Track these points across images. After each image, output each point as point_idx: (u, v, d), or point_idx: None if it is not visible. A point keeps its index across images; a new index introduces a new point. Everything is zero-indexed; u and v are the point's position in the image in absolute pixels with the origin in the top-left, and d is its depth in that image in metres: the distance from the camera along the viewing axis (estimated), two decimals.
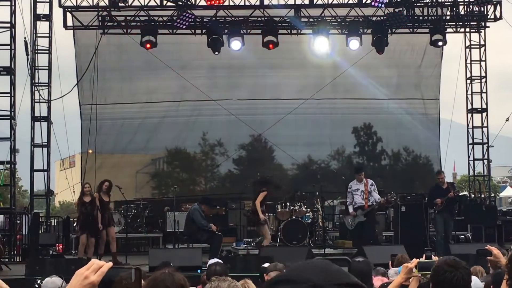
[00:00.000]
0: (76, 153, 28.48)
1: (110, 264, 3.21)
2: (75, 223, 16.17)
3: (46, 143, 21.54)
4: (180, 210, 19.84)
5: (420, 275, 6.07)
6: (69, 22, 22.24)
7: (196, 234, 16.29)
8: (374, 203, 17.11)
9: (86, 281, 3.17)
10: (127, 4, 21.11)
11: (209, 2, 19.64)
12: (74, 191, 21.34)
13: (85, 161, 23.21)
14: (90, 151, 23.44)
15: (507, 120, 22.54)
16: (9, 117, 18.45)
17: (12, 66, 18.63)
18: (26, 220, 19.26)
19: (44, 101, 21.65)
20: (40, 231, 19.85)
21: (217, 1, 19.47)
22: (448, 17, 23.05)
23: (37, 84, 21.47)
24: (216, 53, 21.65)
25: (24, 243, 18.80)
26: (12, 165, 19.14)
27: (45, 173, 21.54)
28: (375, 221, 18.08)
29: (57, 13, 22.00)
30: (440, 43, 22.25)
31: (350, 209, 17.27)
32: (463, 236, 19.92)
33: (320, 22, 22.21)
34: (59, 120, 21.98)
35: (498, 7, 22.78)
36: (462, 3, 23.04)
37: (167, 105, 24.52)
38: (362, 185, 17.16)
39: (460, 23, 23.59)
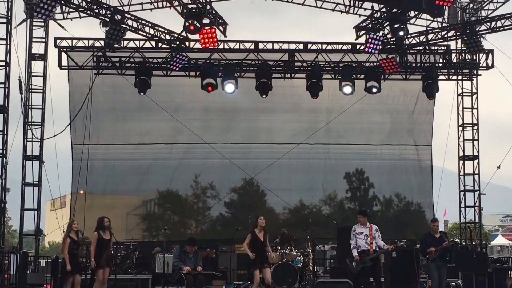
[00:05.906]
0: (67, 193, 28.36)
1: None
2: (63, 263, 15.85)
3: (37, 182, 21.43)
4: (170, 251, 19.65)
5: None
6: (64, 62, 22.37)
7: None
8: (378, 249, 16.90)
9: None
10: (122, 46, 21.23)
11: (204, 45, 19.76)
12: (64, 231, 21.18)
13: (75, 200, 23.04)
14: (81, 192, 23.27)
15: (499, 167, 22.56)
16: (0, 155, 18.39)
17: (6, 105, 18.61)
18: (14, 259, 19.06)
19: (37, 140, 21.62)
20: (28, 271, 19.65)
21: (212, 44, 19.58)
22: (440, 65, 23.24)
23: (30, 123, 21.45)
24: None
25: (12, 283, 18.58)
26: (2, 204, 19.02)
27: (36, 212, 21.41)
28: (381, 268, 17.81)
29: (52, 53, 22.17)
30: (432, 90, 22.38)
31: (354, 253, 16.97)
32: (453, 283, 19.75)
33: (314, 67, 22.35)
34: (51, 159, 21.89)
35: (490, 55, 23.02)
36: (455, 51, 23.28)
37: (160, 147, 24.46)
38: (366, 229, 16.91)
39: (453, 71, 23.79)
